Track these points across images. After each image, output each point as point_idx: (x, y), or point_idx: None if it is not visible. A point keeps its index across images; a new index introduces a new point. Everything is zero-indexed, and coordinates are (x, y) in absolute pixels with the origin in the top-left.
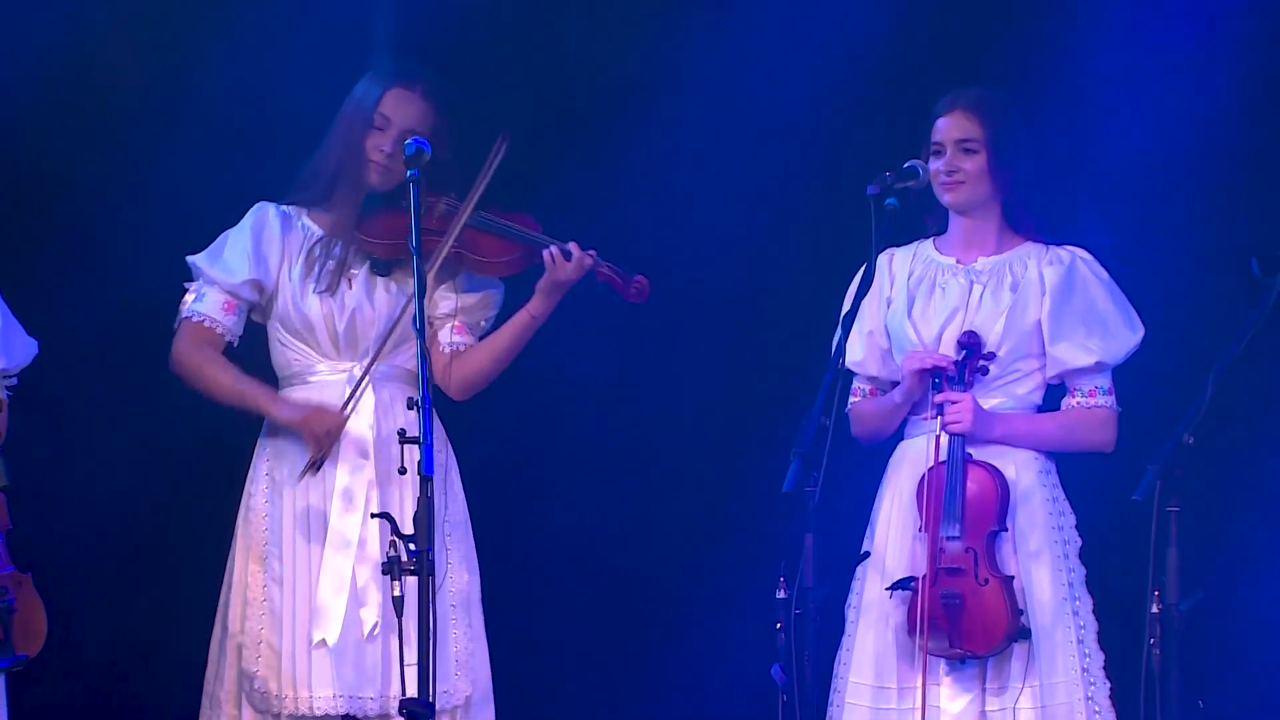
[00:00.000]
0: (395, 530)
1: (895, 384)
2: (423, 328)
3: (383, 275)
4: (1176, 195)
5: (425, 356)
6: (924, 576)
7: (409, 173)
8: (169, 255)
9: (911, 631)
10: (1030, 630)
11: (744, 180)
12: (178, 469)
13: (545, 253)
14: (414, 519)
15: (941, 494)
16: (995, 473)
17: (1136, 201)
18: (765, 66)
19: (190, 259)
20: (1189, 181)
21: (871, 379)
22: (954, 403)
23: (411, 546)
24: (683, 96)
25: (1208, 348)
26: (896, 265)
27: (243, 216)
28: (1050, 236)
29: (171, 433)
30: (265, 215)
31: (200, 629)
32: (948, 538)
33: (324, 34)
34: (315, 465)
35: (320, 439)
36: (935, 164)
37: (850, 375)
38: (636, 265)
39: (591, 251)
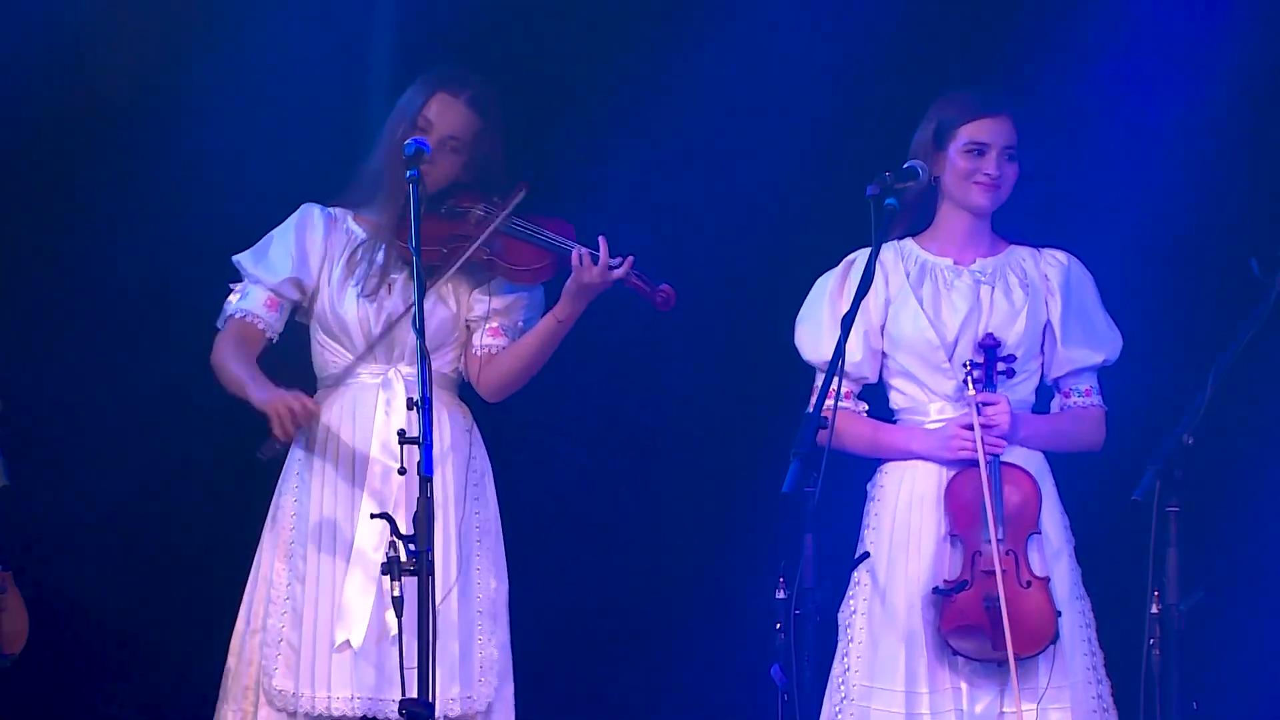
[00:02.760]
0: (395, 531)
1: (869, 385)
2: (422, 328)
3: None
4: (1176, 195)
5: (425, 356)
6: (974, 577)
7: (408, 173)
8: (174, 252)
9: (950, 634)
10: (1059, 632)
11: (748, 179)
12: (179, 469)
13: (574, 254)
14: (413, 519)
15: (978, 496)
16: (1029, 475)
17: (1136, 202)
18: (765, 66)
19: (235, 258)
20: (1189, 182)
21: (857, 379)
22: (991, 403)
23: (411, 547)
24: (681, 97)
25: (1208, 348)
26: (887, 263)
27: (246, 213)
28: (1036, 240)
29: (173, 433)
30: (310, 215)
31: (198, 628)
32: (989, 541)
33: (325, 31)
34: (272, 446)
35: (284, 421)
36: (970, 163)
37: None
38: (636, 264)
39: (629, 259)
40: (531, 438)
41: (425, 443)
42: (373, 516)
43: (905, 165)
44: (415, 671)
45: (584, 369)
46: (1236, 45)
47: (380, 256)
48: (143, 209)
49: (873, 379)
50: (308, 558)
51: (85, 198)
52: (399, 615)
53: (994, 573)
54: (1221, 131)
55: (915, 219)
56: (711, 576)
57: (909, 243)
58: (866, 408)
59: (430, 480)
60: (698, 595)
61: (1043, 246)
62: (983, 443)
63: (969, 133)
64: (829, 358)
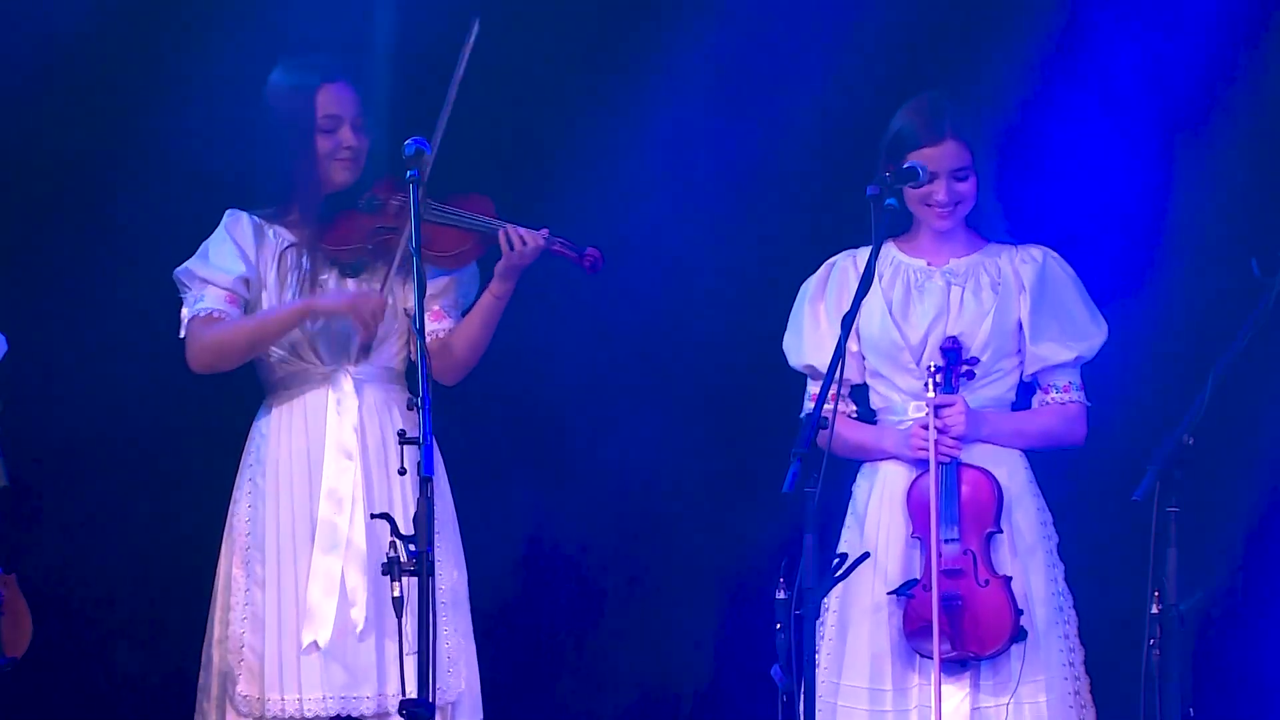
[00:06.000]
0: (395, 531)
1: (856, 387)
2: (422, 327)
3: (353, 277)
4: (1177, 195)
5: (425, 356)
6: (925, 580)
7: (409, 173)
8: (176, 253)
9: (911, 635)
10: (1027, 631)
11: (749, 174)
12: (172, 470)
13: (500, 235)
14: (414, 519)
15: (935, 496)
16: (988, 475)
17: (1136, 201)
18: (762, 61)
19: (178, 270)
20: (1188, 181)
21: (844, 381)
22: (947, 405)
23: (411, 547)
24: (675, 94)
25: (1208, 348)
26: (863, 267)
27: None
28: (1015, 237)
29: (167, 434)
30: (240, 219)
31: (190, 631)
32: (945, 540)
33: (325, 32)
34: (366, 348)
35: (367, 321)
36: (923, 189)
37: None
38: (635, 263)
39: (544, 231)
40: (526, 435)
41: (425, 443)
42: (373, 516)
43: (905, 165)
44: (393, 667)
45: (581, 368)
46: (1237, 44)
47: (307, 260)
48: (144, 209)
49: (857, 380)
50: (266, 562)
51: (85, 198)
52: (399, 615)
53: (952, 572)
54: (1221, 131)
55: (895, 223)
56: (711, 576)
57: (889, 245)
58: (855, 409)
59: (430, 480)
60: (697, 595)
61: (1019, 242)
62: (937, 445)
63: (915, 160)
64: (810, 362)
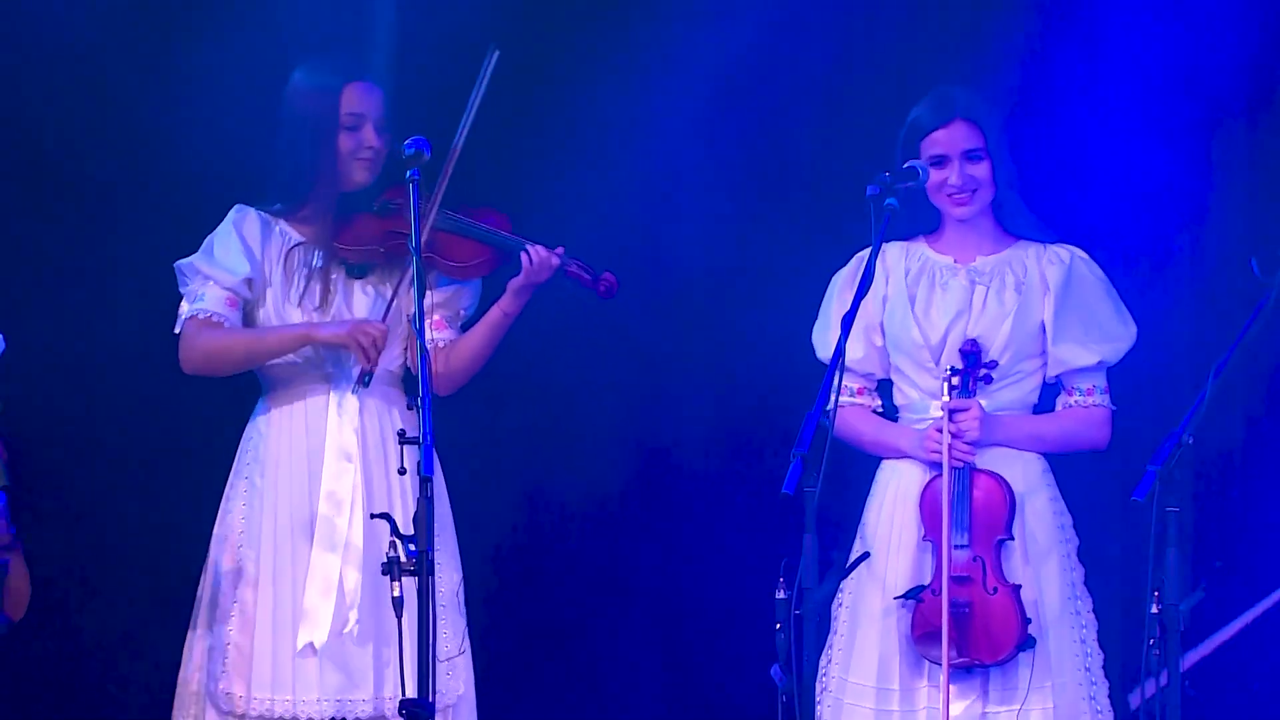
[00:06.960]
0: (395, 531)
1: (882, 381)
2: (422, 328)
3: (358, 278)
4: (1176, 195)
5: (426, 356)
6: (933, 585)
7: (409, 173)
8: (175, 253)
9: (918, 640)
10: (1035, 640)
11: (750, 172)
12: (169, 469)
13: (523, 254)
14: (414, 519)
15: (948, 502)
16: (1002, 481)
17: (1136, 201)
18: (757, 60)
19: (181, 263)
20: (1189, 182)
21: (865, 375)
22: (962, 410)
23: (411, 547)
24: (670, 94)
25: (1208, 348)
26: (891, 261)
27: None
28: (1044, 235)
29: (164, 433)
30: (247, 215)
31: (183, 628)
32: (955, 546)
33: (326, 31)
34: (366, 377)
35: (367, 350)
36: (937, 175)
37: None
38: (636, 263)
39: (559, 250)
40: (526, 432)
41: (425, 443)
42: (373, 516)
43: (905, 165)
44: (390, 669)
45: (581, 367)
46: (1236, 43)
47: (318, 259)
48: (143, 208)
49: (882, 375)
50: (260, 561)
51: (85, 197)
52: (398, 616)
53: (960, 579)
54: (1221, 131)
55: (925, 220)
56: (711, 576)
57: (920, 242)
58: (879, 404)
59: (430, 480)
60: (697, 595)
61: (1049, 241)
62: (950, 450)
63: (927, 148)
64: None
